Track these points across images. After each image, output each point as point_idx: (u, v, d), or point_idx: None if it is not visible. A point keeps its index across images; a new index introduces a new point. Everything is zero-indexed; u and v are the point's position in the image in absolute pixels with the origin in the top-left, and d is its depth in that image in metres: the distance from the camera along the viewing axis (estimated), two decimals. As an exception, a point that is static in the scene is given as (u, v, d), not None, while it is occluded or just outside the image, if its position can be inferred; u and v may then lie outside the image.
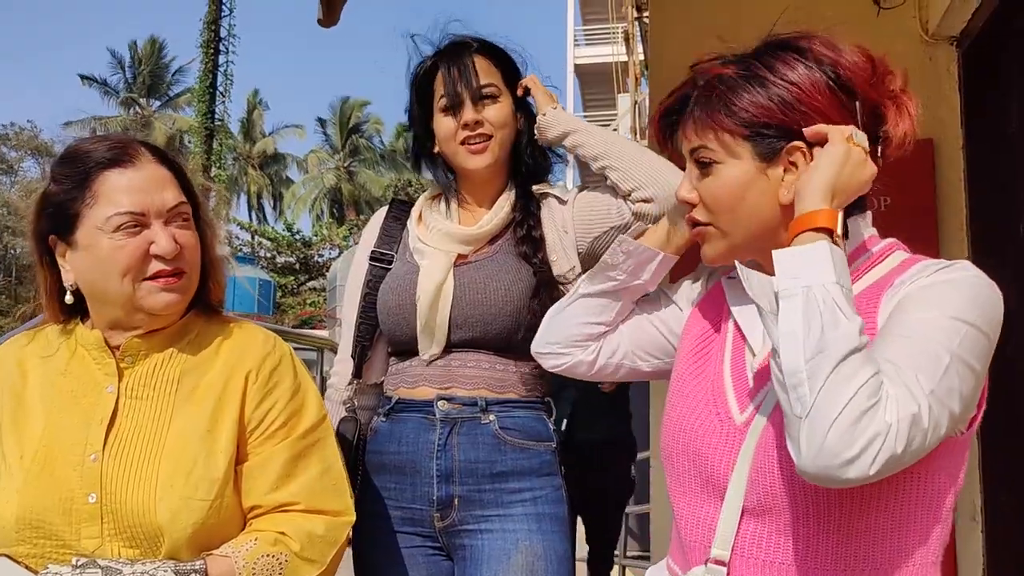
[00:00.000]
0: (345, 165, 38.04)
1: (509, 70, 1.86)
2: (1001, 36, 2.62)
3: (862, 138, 1.10)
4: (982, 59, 2.79)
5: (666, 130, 1.27)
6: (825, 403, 0.94)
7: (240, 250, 28.81)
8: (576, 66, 26.01)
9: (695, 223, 1.23)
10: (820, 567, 1.09)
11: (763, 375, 1.17)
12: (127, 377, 1.42)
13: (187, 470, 1.34)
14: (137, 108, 34.69)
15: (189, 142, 27.22)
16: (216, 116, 24.78)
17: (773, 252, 1.04)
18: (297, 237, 29.27)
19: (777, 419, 1.11)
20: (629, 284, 1.43)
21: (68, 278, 1.41)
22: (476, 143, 1.79)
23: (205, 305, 1.51)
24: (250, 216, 37.09)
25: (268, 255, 29.15)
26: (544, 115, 1.81)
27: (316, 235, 29.72)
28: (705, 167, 1.19)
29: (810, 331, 0.97)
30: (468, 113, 1.78)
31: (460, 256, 1.80)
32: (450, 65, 1.80)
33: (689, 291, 1.43)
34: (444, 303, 1.74)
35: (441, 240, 1.81)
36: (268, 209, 38.67)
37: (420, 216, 1.89)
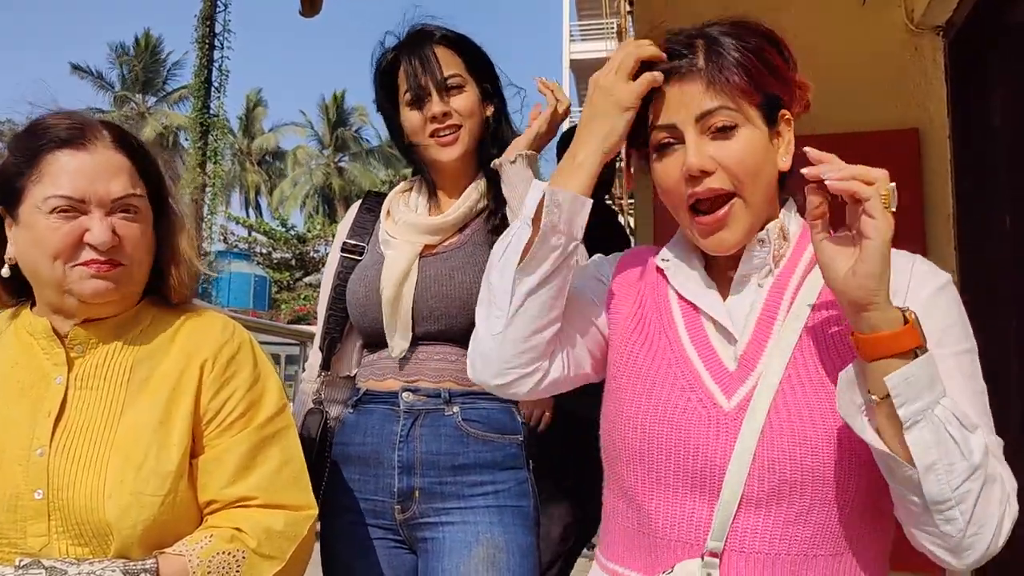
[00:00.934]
0: (335, 160, 37.98)
1: (472, 58, 1.82)
2: (987, 25, 2.59)
3: (890, 187, 1.02)
4: (968, 49, 2.76)
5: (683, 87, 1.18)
6: (980, 523, 0.99)
7: (236, 246, 28.81)
8: (572, 61, 25.99)
9: (709, 200, 1.15)
10: (826, 551, 1.08)
11: (749, 359, 1.14)
12: (77, 367, 1.37)
13: (138, 464, 1.30)
14: (132, 104, 34.56)
15: (186, 139, 27.16)
16: (211, 111, 24.72)
17: (886, 380, 0.97)
18: (292, 233, 29.25)
19: (779, 405, 1.09)
20: (569, 248, 1.19)
21: (9, 251, 1.37)
22: (446, 135, 1.77)
23: (161, 297, 1.47)
24: (247, 212, 37.07)
25: (264, 251, 29.13)
26: (512, 163, 1.71)
27: (309, 231, 29.70)
28: (727, 131, 1.14)
29: (947, 457, 0.97)
30: (436, 105, 1.75)
31: (428, 247, 1.77)
32: (411, 57, 1.77)
33: (597, 270, 1.34)
34: (407, 295, 1.71)
35: (407, 231, 1.78)
36: (264, 205, 38.65)
37: (388, 211, 1.87)
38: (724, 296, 1.21)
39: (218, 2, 24.04)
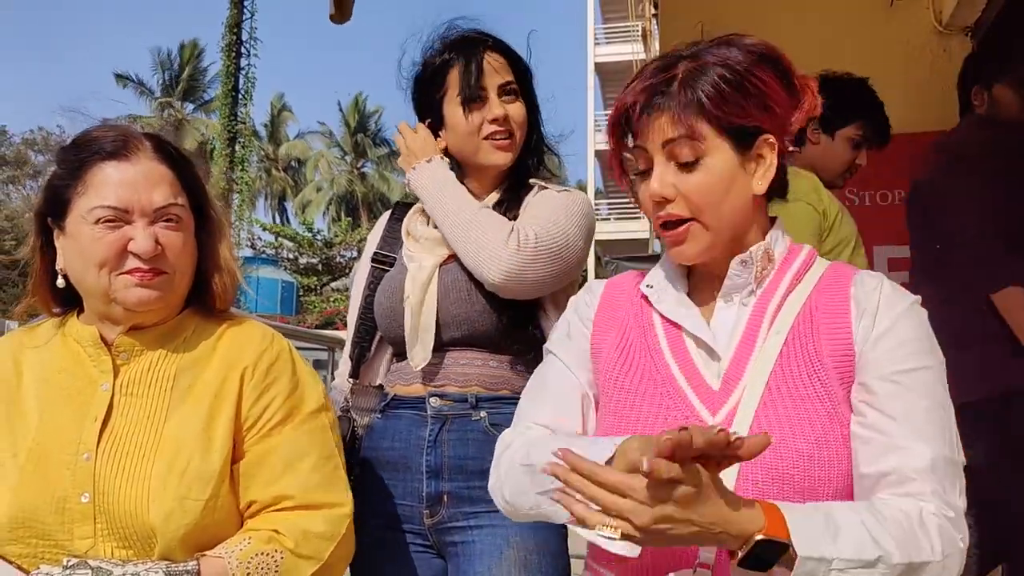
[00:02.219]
0: (358, 166, 38.20)
1: (519, 71, 1.84)
2: (1016, 25, 2.58)
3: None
4: (997, 49, 2.74)
5: (623, 125, 1.23)
6: None
7: (263, 252, 29.04)
8: (596, 64, 25.99)
9: (671, 220, 1.20)
10: None
11: (732, 378, 1.18)
12: (122, 374, 1.41)
13: (181, 469, 1.34)
14: (171, 110, 35.02)
15: (212, 147, 27.47)
16: (239, 119, 24.95)
17: None
18: (319, 238, 29.44)
19: (762, 420, 1.12)
20: None
21: (60, 262, 1.42)
22: (501, 139, 1.78)
23: (204, 304, 1.51)
24: (273, 218, 37.38)
25: (291, 256, 29.34)
26: (414, 170, 1.81)
27: (336, 236, 29.88)
28: (689, 165, 1.18)
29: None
30: (496, 108, 1.76)
31: (449, 256, 1.78)
32: (470, 58, 1.77)
33: (586, 311, 1.36)
34: (429, 307, 1.73)
35: (428, 247, 1.80)
36: (291, 211, 38.97)
37: (408, 232, 1.87)
38: (708, 318, 1.24)
39: (245, 9, 24.26)
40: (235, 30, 24.13)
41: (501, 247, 1.65)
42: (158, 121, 32.68)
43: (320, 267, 28.70)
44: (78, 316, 1.47)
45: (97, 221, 1.36)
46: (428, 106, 1.84)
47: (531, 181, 1.85)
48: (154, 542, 1.31)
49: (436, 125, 1.84)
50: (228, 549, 1.32)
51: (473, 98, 1.76)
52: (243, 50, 24.39)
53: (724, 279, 1.23)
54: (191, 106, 36.56)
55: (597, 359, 1.30)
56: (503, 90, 1.78)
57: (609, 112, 1.31)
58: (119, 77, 35.65)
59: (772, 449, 1.07)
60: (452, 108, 1.79)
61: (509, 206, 1.80)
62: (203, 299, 1.50)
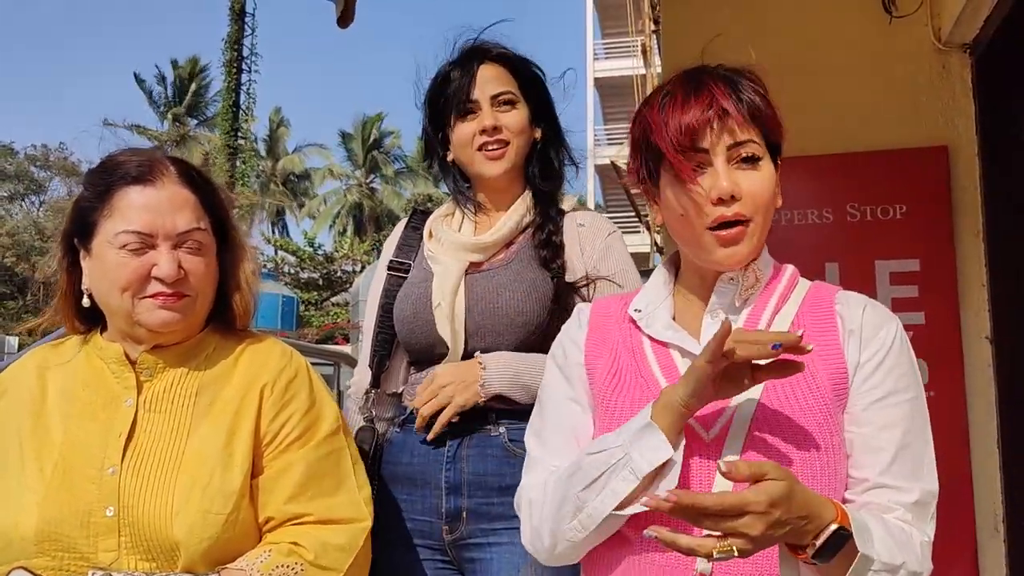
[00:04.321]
0: (367, 181, 38.29)
1: (526, 79, 1.86)
2: (1015, 42, 2.61)
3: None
4: (996, 66, 2.78)
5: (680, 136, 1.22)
6: None
7: (264, 266, 29.03)
8: (596, 79, 26.06)
9: (736, 220, 1.21)
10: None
11: None
12: (146, 391, 1.45)
13: (204, 484, 1.36)
14: (178, 124, 35.19)
15: (213, 163, 27.55)
16: (239, 134, 25.02)
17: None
18: (319, 253, 29.44)
19: (757, 433, 1.16)
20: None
21: (86, 281, 1.46)
22: (493, 149, 1.80)
23: (224, 322, 1.54)
24: (273, 232, 37.40)
25: (291, 271, 29.32)
26: (483, 383, 1.70)
27: (337, 250, 29.88)
28: (752, 162, 1.22)
29: None
30: (487, 118, 1.79)
31: (473, 265, 1.80)
32: (465, 71, 1.81)
33: (577, 334, 1.38)
34: (460, 307, 1.74)
35: (452, 250, 1.82)
36: (292, 226, 39.06)
37: (431, 233, 1.90)
38: (697, 338, 1.27)
39: (246, 26, 24.38)
40: (236, 46, 24.24)
41: None
42: (167, 135, 32.84)
43: (321, 282, 28.69)
44: (101, 333, 1.50)
45: (123, 247, 1.39)
46: (435, 118, 1.88)
47: (564, 207, 1.87)
48: (177, 555, 1.33)
49: (444, 140, 1.87)
50: (249, 561, 1.35)
51: (465, 110, 1.80)
52: (244, 66, 24.49)
53: (709, 297, 1.28)
54: (194, 122, 36.73)
55: (591, 380, 1.32)
56: (497, 100, 1.80)
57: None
58: (138, 80, 36.28)
59: (771, 459, 1.13)
60: (454, 122, 1.83)
61: (543, 227, 1.82)
62: (223, 317, 1.54)
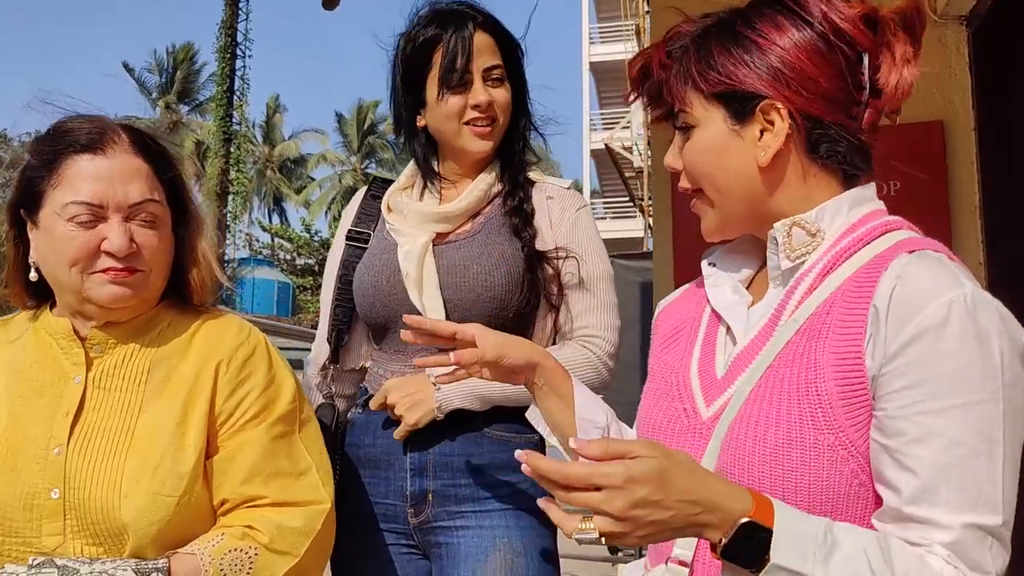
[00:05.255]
0: (362, 167, 38.21)
1: (509, 51, 1.76)
2: (1012, 14, 2.55)
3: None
4: (994, 38, 2.71)
5: (653, 90, 1.18)
6: None
7: (260, 252, 29.03)
8: (591, 63, 25.97)
9: (685, 190, 1.18)
10: None
11: (738, 365, 1.09)
12: (95, 368, 1.37)
13: (154, 465, 1.30)
14: (169, 112, 35.04)
15: (207, 149, 27.45)
16: (234, 120, 24.91)
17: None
18: (316, 239, 29.42)
19: (744, 415, 1.03)
20: None
21: (33, 255, 1.38)
22: (483, 125, 1.71)
23: (180, 298, 1.47)
24: (269, 219, 37.36)
25: (288, 257, 29.32)
26: (438, 405, 1.62)
27: (333, 236, 29.87)
28: (685, 131, 1.14)
29: None
30: (480, 94, 1.69)
31: (439, 235, 1.72)
32: (456, 38, 1.68)
33: (670, 298, 1.35)
34: (430, 279, 1.66)
35: (416, 220, 1.73)
36: (291, 211, 38.99)
37: (389, 206, 1.81)
38: (759, 301, 1.16)
39: (240, 11, 24.22)
40: (230, 31, 24.09)
41: (606, 381, 1.66)
42: (159, 121, 32.69)
43: (317, 268, 28.68)
44: (51, 309, 1.43)
45: (71, 219, 1.32)
46: (411, 81, 1.75)
47: (531, 177, 1.79)
48: (125, 539, 1.27)
49: (417, 103, 1.76)
50: (200, 546, 1.28)
51: (457, 82, 1.69)
52: (238, 51, 24.35)
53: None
54: (186, 108, 36.58)
55: (653, 340, 1.27)
56: (488, 74, 1.71)
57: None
58: (127, 68, 36.16)
59: (750, 445, 1.01)
60: (435, 88, 1.71)
61: (513, 194, 1.74)
62: (180, 293, 1.47)
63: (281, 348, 1.54)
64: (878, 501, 0.98)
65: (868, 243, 1.06)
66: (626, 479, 0.87)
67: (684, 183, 1.17)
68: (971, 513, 0.91)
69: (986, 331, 0.93)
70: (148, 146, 1.40)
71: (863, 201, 1.11)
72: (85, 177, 1.33)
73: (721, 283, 1.20)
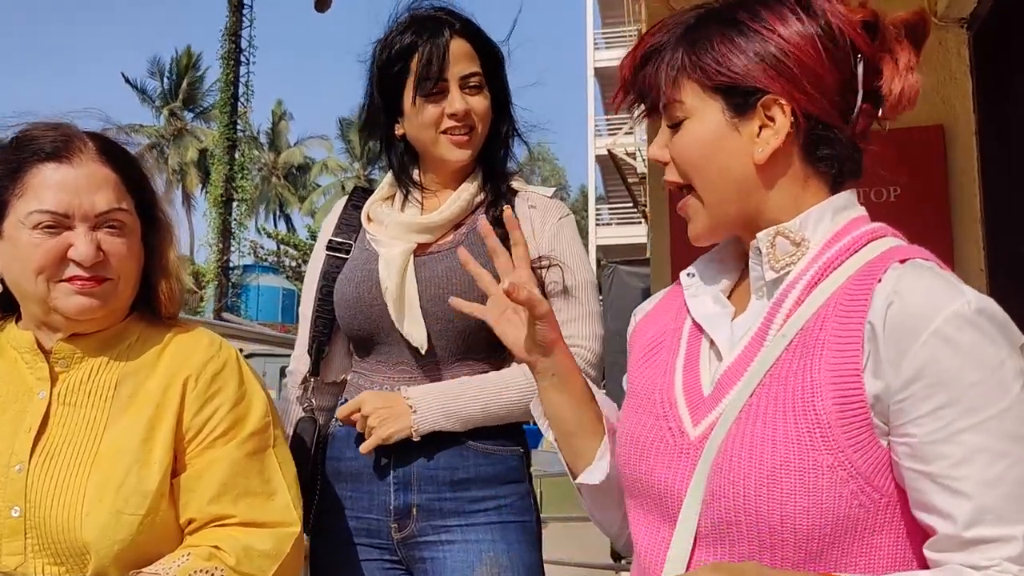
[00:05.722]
0: (366, 173, 38.22)
1: (488, 57, 1.71)
2: (1012, 16, 2.50)
3: None
4: (994, 41, 2.67)
5: (641, 83, 1.12)
6: None
7: (265, 259, 29.07)
8: (596, 69, 25.99)
9: (672, 185, 1.11)
10: None
11: (726, 382, 1.04)
12: (60, 383, 1.34)
13: (118, 482, 1.25)
14: (174, 119, 35.07)
15: (211, 155, 27.52)
16: (238, 127, 24.97)
17: None
18: (321, 245, 29.43)
19: (736, 433, 0.98)
20: None
21: None
22: (460, 134, 1.66)
23: (150, 311, 1.43)
24: (275, 226, 37.41)
25: (293, 264, 29.34)
26: (415, 425, 1.58)
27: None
28: (675, 126, 1.08)
29: None
30: (457, 102, 1.64)
31: (421, 247, 1.67)
32: (433, 45, 1.64)
33: (644, 307, 1.29)
34: (411, 287, 1.61)
35: (397, 231, 1.69)
36: (297, 218, 39.03)
37: (369, 217, 1.77)
38: (741, 313, 1.11)
39: (244, 17, 24.29)
40: (234, 38, 24.15)
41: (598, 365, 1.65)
42: (164, 129, 32.78)
43: (323, 275, 28.70)
44: (16, 322, 1.39)
45: (35, 226, 1.28)
46: (388, 89, 1.71)
47: (514, 186, 1.75)
48: (87, 559, 1.23)
49: (395, 111, 1.72)
50: (165, 566, 1.23)
51: (432, 90, 1.65)
52: (242, 58, 24.41)
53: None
54: (190, 115, 36.66)
55: (630, 354, 1.22)
56: (466, 82, 1.66)
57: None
58: (128, 81, 36.06)
59: (744, 466, 0.96)
60: (411, 95, 1.67)
61: (496, 204, 1.69)
62: (149, 305, 1.43)
63: (284, 356, 1.50)
64: (880, 523, 0.94)
65: (855, 252, 1.02)
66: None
67: (672, 176, 1.10)
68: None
69: (995, 335, 0.91)
70: (116, 155, 1.37)
71: (845, 208, 1.06)
72: (50, 186, 1.29)
73: (701, 293, 1.15)
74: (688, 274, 1.17)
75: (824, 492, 0.93)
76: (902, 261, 0.96)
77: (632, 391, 1.16)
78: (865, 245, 1.02)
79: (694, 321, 1.13)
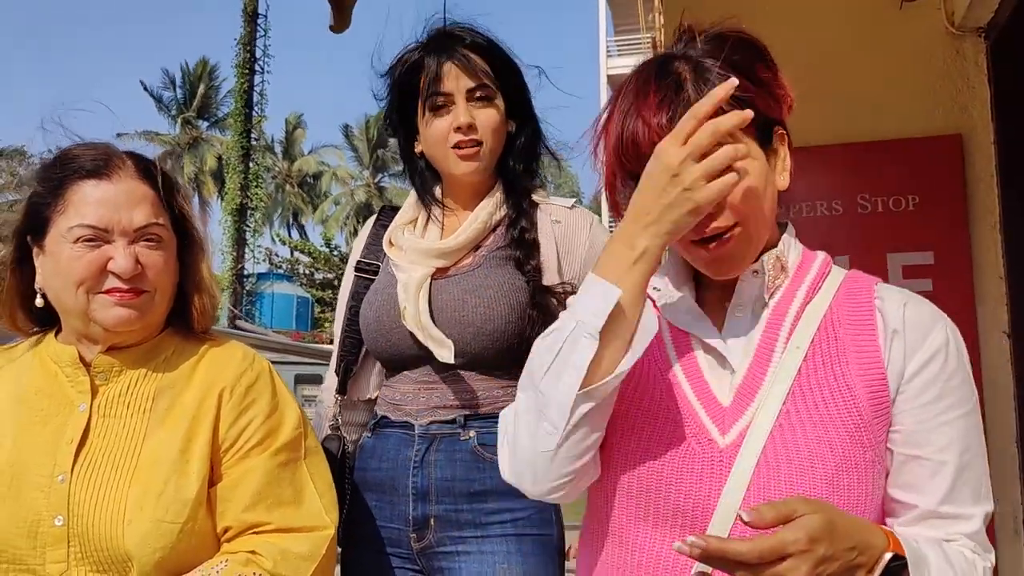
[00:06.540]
0: (375, 180, 38.33)
1: (501, 68, 1.71)
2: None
3: None
4: (1012, 50, 2.67)
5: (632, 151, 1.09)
6: None
7: (279, 267, 29.16)
8: (609, 76, 25.98)
9: (718, 232, 1.07)
10: None
11: (746, 394, 1.08)
12: (100, 395, 1.37)
13: (158, 492, 1.29)
14: (189, 128, 35.30)
15: (226, 164, 27.67)
16: (252, 136, 25.11)
17: None
18: (335, 253, 29.51)
19: (780, 439, 1.03)
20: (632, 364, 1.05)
21: (39, 280, 1.39)
22: (467, 148, 1.66)
23: (185, 325, 1.47)
24: (289, 234, 37.56)
25: (307, 271, 29.42)
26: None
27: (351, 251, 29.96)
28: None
29: None
30: (462, 116, 1.65)
31: (439, 270, 1.68)
32: (439, 60, 1.66)
33: None
34: (425, 320, 1.62)
35: (415, 257, 1.70)
36: (310, 227, 39.19)
37: (390, 242, 1.78)
38: (719, 328, 1.15)
39: (259, 27, 24.45)
40: (248, 48, 24.32)
41: None
42: (177, 138, 32.96)
43: (336, 282, 28.75)
44: (56, 336, 1.43)
45: (76, 240, 1.33)
46: (405, 107, 1.73)
47: (535, 199, 1.75)
48: (129, 567, 1.26)
49: (413, 129, 1.74)
50: (204, 572, 1.27)
51: (438, 105, 1.66)
52: (256, 67, 24.56)
53: (734, 289, 1.14)
54: (205, 123, 36.90)
55: None
56: (472, 95, 1.67)
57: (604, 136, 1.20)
58: (146, 89, 36.47)
59: (786, 474, 1.02)
60: (425, 115, 1.69)
61: (515, 223, 1.70)
62: (183, 320, 1.47)
63: (297, 364, 1.53)
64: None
65: (827, 276, 1.16)
66: (809, 540, 0.88)
67: (722, 223, 1.06)
68: (983, 504, 1.06)
69: (963, 347, 1.10)
70: (152, 173, 1.42)
71: (792, 235, 1.18)
72: (90, 202, 1.34)
73: (674, 306, 1.18)
74: (655, 288, 1.20)
75: (870, 485, 1.05)
76: (876, 282, 1.14)
77: (627, 400, 1.14)
78: (831, 270, 1.16)
79: (673, 328, 1.17)
